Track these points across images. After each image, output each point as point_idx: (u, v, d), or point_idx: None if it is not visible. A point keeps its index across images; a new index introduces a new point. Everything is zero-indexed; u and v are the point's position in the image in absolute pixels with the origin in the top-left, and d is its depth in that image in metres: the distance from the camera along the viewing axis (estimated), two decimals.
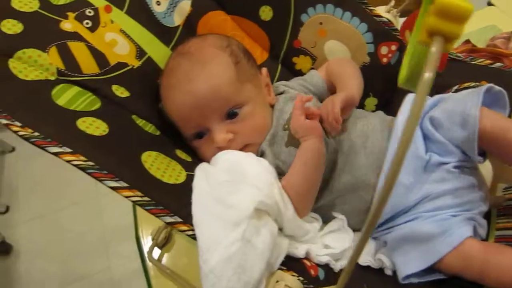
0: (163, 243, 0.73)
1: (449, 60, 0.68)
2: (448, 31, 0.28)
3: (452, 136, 0.55)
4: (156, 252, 0.72)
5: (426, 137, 0.58)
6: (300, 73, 0.77)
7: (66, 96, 0.52)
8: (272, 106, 0.66)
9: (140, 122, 0.58)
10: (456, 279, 0.52)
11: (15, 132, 0.45)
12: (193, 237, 0.47)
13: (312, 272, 0.53)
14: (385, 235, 0.60)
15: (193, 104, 0.59)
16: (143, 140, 0.55)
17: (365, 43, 0.72)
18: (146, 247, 0.75)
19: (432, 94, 0.61)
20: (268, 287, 0.47)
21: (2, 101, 0.47)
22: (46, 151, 0.45)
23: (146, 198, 0.46)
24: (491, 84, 0.54)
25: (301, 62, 0.77)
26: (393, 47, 0.72)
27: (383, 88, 0.75)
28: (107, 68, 0.59)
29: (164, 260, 0.72)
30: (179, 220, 0.47)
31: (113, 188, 0.45)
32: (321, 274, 0.54)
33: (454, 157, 0.56)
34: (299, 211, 0.55)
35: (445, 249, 0.50)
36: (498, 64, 0.69)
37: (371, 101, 0.76)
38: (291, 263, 0.52)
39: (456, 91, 0.65)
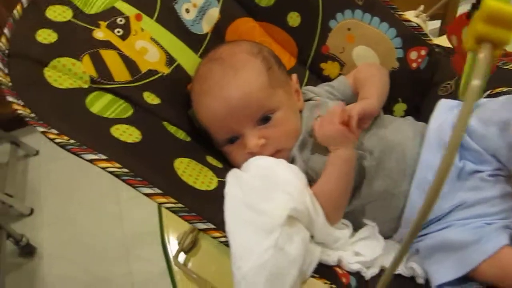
0: (189, 248, 0.74)
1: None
2: (496, 37, 0.27)
3: (488, 145, 0.54)
4: (182, 257, 0.73)
5: (460, 145, 0.57)
6: (328, 79, 0.77)
7: (100, 104, 0.52)
8: (301, 111, 0.66)
9: (171, 128, 0.59)
10: None
11: (52, 139, 0.46)
12: (226, 243, 0.47)
13: (344, 280, 0.53)
14: (417, 243, 0.59)
15: (226, 110, 0.59)
16: (175, 147, 0.56)
17: (394, 48, 0.71)
18: (172, 251, 0.75)
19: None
20: None
21: (39, 109, 0.48)
22: (82, 158, 0.45)
23: (179, 205, 0.46)
24: None
25: (329, 68, 0.76)
26: (423, 52, 0.71)
27: (412, 93, 0.74)
28: (138, 76, 0.60)
29: (190, 264, 0.72)
30: (212, 226, 0.47)
31: (147, 194, 0.46)
32: (353, 282, 0.54)
33: (489, 166, 0.55)
34: (330, 219, 0.54)
35: (480, 258, 0.49)
36: None
37: (400, 107, 0.75)
38: (323, 271, 0.51)
39: (488, 96, 0.64)
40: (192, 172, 0.52)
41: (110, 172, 0.45)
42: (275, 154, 0.60)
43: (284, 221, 0.46)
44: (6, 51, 0.51)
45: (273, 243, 0.45)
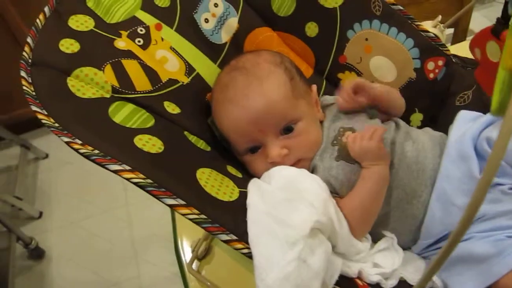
0: (203, 255, 0.74)
1: None
2: None
3: (510, 158, 0.54)
4: (196, 264, 0.73)
5: (480, 157, 0.57)
6: None
7: (122, 114, 0.53)
8: (321, 122, 0.66)
9: (192, 138, 0.59)
10: None
11: (76, 150, 0.46)
12: (249, 255, 0.47)
13: None
14: (436, 255, 0.59)
15: (250, 120, 0.59)
16: (196, 157, 0.56)
17: (411, 58, 0.71)
18: (185, 258, 0.75)
19: (485, 111, 0.60)
20: None
21: (63, 119, 0.48)
22: (106, 168, 0.46)
23: (203, 216, 0.46)
24: None
25: (346, 78, 0.76)
26: (440, 63, 0.71)
27: (429, 103, 0.74)
28: (159, 85, 0.60)
29: (204, 272, 0.72)
30: (235, 238, 0.47)
31: (171, 205, 0.46)
32: None
33: (510, 179, 0.55)
34: (356, 233, 0.54)
35: (503, 271, 0.49)
36: None
37: (417, 117, 0.75)
38: (344, 283, 0.51)
39: None
40: (214, 183, 0.52)
41: (135, 183, 0.45)
42: (296, 164, 0.60)
43: (307, 234, 0.46)
44: (30, 61, 0.52)
45: (297, 255, 0.45)
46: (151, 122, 0.54)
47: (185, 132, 0.59)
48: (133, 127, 0.52)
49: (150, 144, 0.50)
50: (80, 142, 0.46)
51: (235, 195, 0.52)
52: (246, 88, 0.60)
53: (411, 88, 0.72)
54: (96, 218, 1.79)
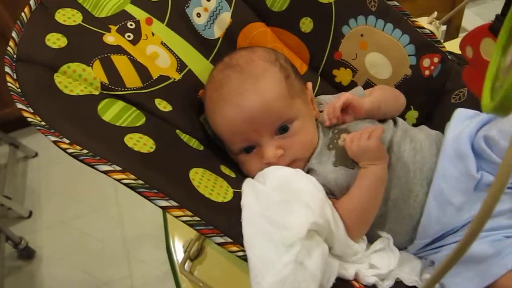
0: (195, 255, 0.72)
1: None
2: None
3: None
4: (188, 265, 0.72)
5: (478, 156, 0.56)
6: (340, 86, 0.76)
7: (112, 112, 0.51)
8: (316, 120, 0.65)
9: (185, 137, 0.57)
10: None
11: (64, 149, 0.44)
12: (244, 258, 0.46)
13: None
14: (433, 255, 0.58)
15: (244, 119, 0.57)
16: (189, 156, 0.54)
17: (407, 55, 0.70)
18: (177, 259, 0.74)
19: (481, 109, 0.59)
20: None
21: (50, 117, 0.46)
22: (96, 169, 0.44)
23: (196, 218, 0.45)
24: None
25: (341, 74, 0.75)
26: (436, 60, 0.71)
27: (424, 101, 0.73)
28: (149, 82, 0.58)
29: (196, 272, 0.71)
30: (229, 240, 0.46)
31: (163, 207, 0.44)
32: None
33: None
34: (353, 234, 0.53)
35: (500, 271, 0.49)
36: None
37: (412, 114, 0.74)
38: (341, 285, 0.50)
39: None
40: (207, 183, 0.50)
41: (125, 184, 0.43)
42: (291, 164, 0.59)
43: (304, 236, 0.45)
44: (15, 56, 0.50)
45: (293, 258, 0.44)
46: (141, 120, 0.53)
47: (177, 131, 0.57)
48: (123, 125, 0.50)
49: (141, 143, 0.49)
50: (68, 141, 0.45)
51: (229, 196, 0.51)
52: (241, 86, 0.58)
53: (406, 85, 0.71)
54: (87, 217, 1.77)
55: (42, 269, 1.62)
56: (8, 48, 0.50)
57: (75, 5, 0.58)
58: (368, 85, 0.74)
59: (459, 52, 0.69)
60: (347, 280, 0.52)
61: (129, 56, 0.58)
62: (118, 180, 0.43)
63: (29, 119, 0.46)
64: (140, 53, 0.60)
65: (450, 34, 1.40)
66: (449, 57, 0.72)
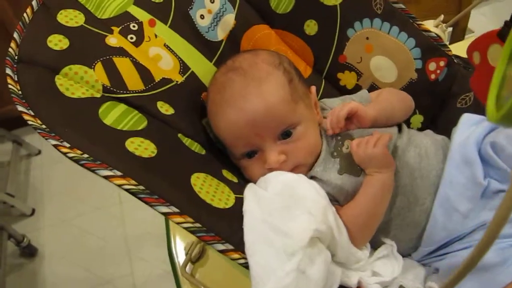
0: (197, 258, 0.72)
1: None
2: None
3: None
4: (189, 267, 0.71)
5: (485, 162, 0.55)
6: (344, 89, 0.75)
7: (113, 115, 0.50)
8: (320, 124, 0.64)
9: (187, 141, 0.56)
10: None
11: (64, 153, 0.44)
12: (245, 265, 0.45)
13: None
14: (437, 262, 0.57)
15: (247, 123, 0.56)
16: (191, 161, 0.54)
17: (412, 58, 0.69)
18: (179, 261, 0.74)
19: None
20: None
21: (50, 120, 0.46)
22: (97, 174, 0.44)
23: (197, 225, 0.45)
24: None
25: (346, 77, 0.74)
26: (442, 63, 0.69)
27: (430, 105, 0.72)
28: (152, 84, 0.58)
29: (198, 275, 0.71)
30: (231, 247, 0.46)
31: (164, 213, 0.44)
32: None
33: None
34: (357, 241, 0.53)
35: (507, 280, 0.49)
36: None
37: (417, 118, 0.73)
38: None
39: None
40: (209, 189, 0.50)
41: (126, 190, 0.43)
42: (294, 169, 0.58)
43: (306, 244, 0.44)
44: (16, 57, 0.50)
45: (295, 266, 0.43)
46: (143, 124, 0.52)
47: (179, 135, 0.56)
48: (124, 129, 0.50)
49: (143, 147, 0.48)
50: (68, 145, 0.44)
51: (231, 202, 0.50)
52: (244, 89, 0.57)
53: (412, 89, 0.70)
54: (89, 215, 1.77)
55: (44, 267, 1.62)
56: (10, 49, 0.50)
57: (78, 6, 0.58)
58: (373, 88, 0.73)
59: (465, 55, 0.68)
60: None
61: (131, 59, 0.57)
62: (119, 186, 0.43)
63: (30, 122, 0.46)
64: (142, 55, 0.59)
65: (456, 36, 1.38)
66: (455, 60, 0.71)
